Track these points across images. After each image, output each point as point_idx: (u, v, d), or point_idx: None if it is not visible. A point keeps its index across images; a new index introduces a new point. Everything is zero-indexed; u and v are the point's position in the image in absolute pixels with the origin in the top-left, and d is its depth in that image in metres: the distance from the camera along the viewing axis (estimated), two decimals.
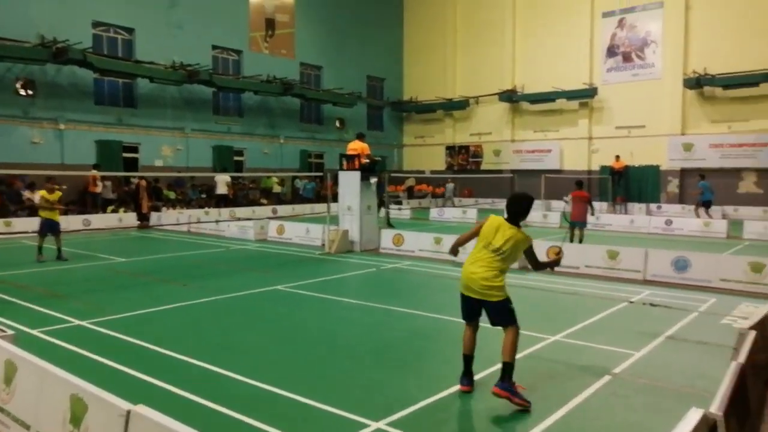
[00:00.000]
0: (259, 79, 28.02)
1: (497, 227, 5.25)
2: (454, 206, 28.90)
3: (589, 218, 17.10)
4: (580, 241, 14.62)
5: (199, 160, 26.32)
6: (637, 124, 28.81)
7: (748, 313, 7.78)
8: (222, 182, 24.24)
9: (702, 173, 23.87)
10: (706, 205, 21.76)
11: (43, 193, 12.79)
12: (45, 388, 4.07)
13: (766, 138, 25.22)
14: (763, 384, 5.04)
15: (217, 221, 19.37)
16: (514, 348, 4.99)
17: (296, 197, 28.73)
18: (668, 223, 19.76)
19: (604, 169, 29.26)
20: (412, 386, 5.31)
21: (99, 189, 21.00)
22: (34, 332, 6.91)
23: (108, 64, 22.46)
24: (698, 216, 21.34)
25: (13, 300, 8.73)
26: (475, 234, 5.51)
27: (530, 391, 5.25)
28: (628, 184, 28.75)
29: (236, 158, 28.19)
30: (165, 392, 5.06)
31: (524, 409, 4.77)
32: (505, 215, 5.38)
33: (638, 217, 21.94)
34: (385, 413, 4.62)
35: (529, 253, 5.37)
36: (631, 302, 8.93)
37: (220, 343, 6.72)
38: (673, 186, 27.96)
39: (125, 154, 23.89)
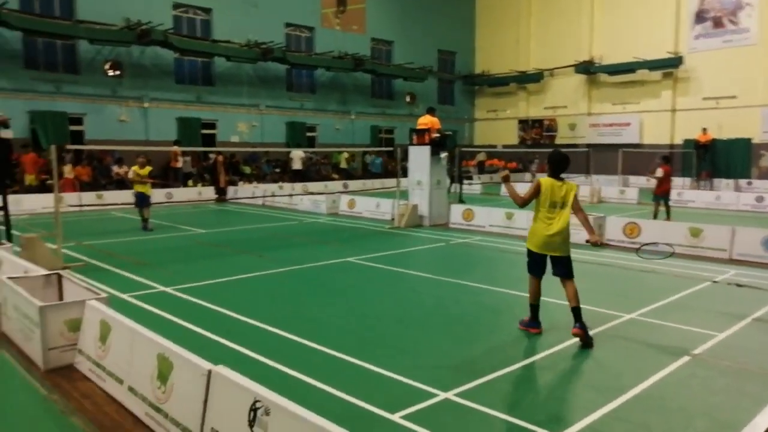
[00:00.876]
0: (331, 56, 28.25)
1: (551, 186, 5.90)
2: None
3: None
4: (668, 214, 14.52)
5: (273, 136, 27.00)
6: (728, 95, 26.92)
7: None
8: (297, 158, 25.11)
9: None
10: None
11: (135, 168, 13.54)
12: (135, 347, 4.39)
13: None
14: None
15: (290, 195, 19.88)
16: (577, 293, 5.84)
17: (366, 172, 28.98)
18: (759, 200, 18.54)
19: (688, 142, 27.66)
20: (482, 358, 5.32)
21: (180, 164, 22.02)
22: (125, 296, 7.41)
23: (188, 44, 23.31)
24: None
25: (106, 266, 9.38)
26: (534, 195, 5.98)
27: (604, 368, 5.16)
28: (715, 159, 27.06)
29: (309, 134, 28.70)
30: (242, 355, 5.32)
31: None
32: (548, 173, 6.05)
33: (725, 194, 20.68)
34: (453, 384, 4.67)
35: (576, 198, 5.98)
36: (715, 282, 8.50)
37: (294, 311, 6.96)
38: (766, 160, 26.10)
39: (203, 131, 24.87)
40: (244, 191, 21.45)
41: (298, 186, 22.74)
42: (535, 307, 6.08)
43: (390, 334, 6.14)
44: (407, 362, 5.24)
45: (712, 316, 6.71)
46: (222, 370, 3.56)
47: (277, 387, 4.48)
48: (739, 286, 8.24)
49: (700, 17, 27.84)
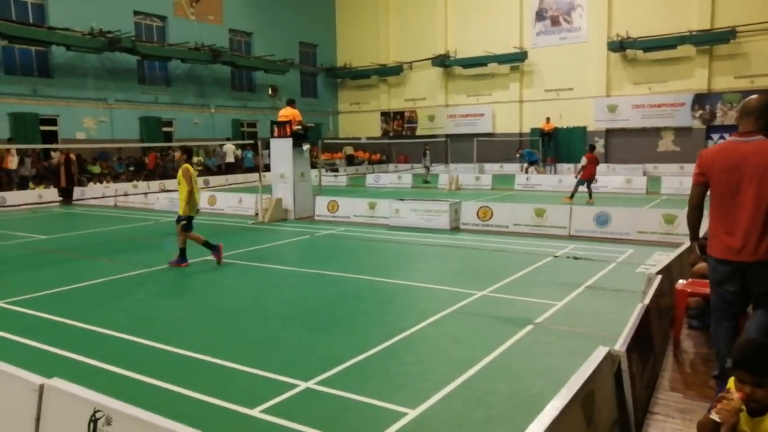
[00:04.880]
0: (187, 47, 26.96)
1: (189, 168, 8.94)
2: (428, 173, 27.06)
3: (524, 179, 21.54)
4: (590, 196, 16.63)
5: (125, 132, 25.21)
6: (566, 87, 29.62)
7: (661, 261, 8.27)
8: (230, 151, 26.62)
9: (533, 137, 27.32)
10: (534, 163, 25.03)
11: None
12: None
13: (682, 98, 26.53)
14: (668, 324, 5.41)
15: (145, 194, 18.71)
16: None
17: (229, 167, 27.95)
18: (594, 181, 20.55)
19: (534, 131, 30.01)
20: (342, 346, 5.39)
21: (14, 165, 19.82)
22: None
23: (18, 31, 20.96)
24: (526, 172, 24.48)
25: None
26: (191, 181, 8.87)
27: (458, 343, 5.46)
28: (558, 145, 29.67)
29: (165, 129, 27.17)
30: (88, 367, 4.92)
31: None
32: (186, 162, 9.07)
33: (567, 177, 22.71)
34: (314, 373, 4.68)
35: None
36: (556, 256, 9.33)
37: (146, 315, 6.58)
38: (599, 146, 29.03)
39: (43, 127, 22.58)
40: (93, 192, 19.82)
41: (154, 184, 21.48)
42: (184, 250, 8.87)
43: (249, 329, 6.01)
44: (267, 355, 5.17)
45: (552, 287, 7.36)
46: (56, 382, 3.26)
47: (127, 396, 4.22)
48: (575, 258, 9.13)
49: (540, 15, 30.25)
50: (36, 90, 22.45)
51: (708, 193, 3.94)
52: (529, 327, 5.80)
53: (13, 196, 18.31)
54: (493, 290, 7.26)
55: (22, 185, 19.85)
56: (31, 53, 22.76)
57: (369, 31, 35.75)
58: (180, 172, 8.97)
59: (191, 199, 8.86)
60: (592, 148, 17.26)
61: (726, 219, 3.79)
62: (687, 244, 7.12)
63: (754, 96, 3.89)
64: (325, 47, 36.77)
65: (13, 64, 22.19)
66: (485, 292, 7.18)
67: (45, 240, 12.14)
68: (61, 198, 19.44)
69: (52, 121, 23.05)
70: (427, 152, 26.39)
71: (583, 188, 16.78)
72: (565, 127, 29.64)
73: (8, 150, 19.10)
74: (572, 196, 16.58)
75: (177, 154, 9.44)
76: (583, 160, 16.69)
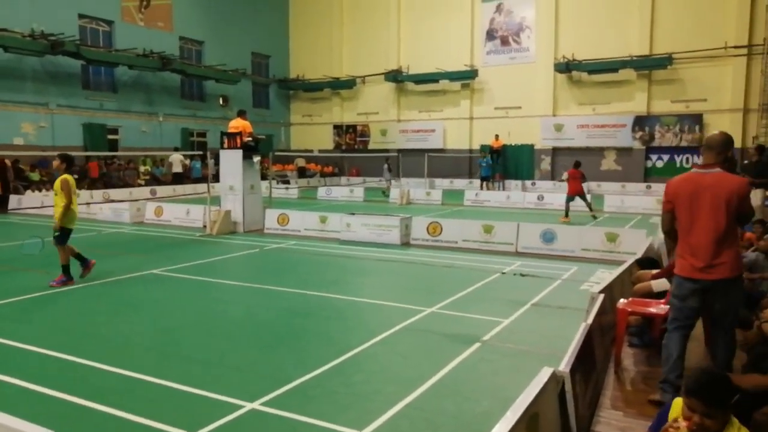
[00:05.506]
0: (135, 53, 26.25)
1: (69, 180, 8.50)
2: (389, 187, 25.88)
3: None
4: (590, 208, 16.51)
5: (67, 139, 24.20)
6: (514, 105, 30.34)
7: (603, 278, 8.53)
8: (177, 161, 25.75)
9: (483, 152, 27.81)
10: (486, 179, 25.68)
11: None
12: None
13: (623, 120, 27.61)
14: (609, 341, 5.56)
15: (88, 203, 18.01)
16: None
17: (177, 177, 27.28)
18: (540, 198, 21.11)
19: (483, 148, 30.59)
20: (289, 364, 5.30)
21: None
22: None
23: None
24: (482, 188, 25.20)
25: None
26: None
27: (406, 361, 5.45)
28: (506, 162, 30.34)
29: (111, 137, 26.30)
30: (16, 389, 4.66)
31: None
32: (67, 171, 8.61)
33: (514, 193, 23.26)
34: (260, 393, 4.57)
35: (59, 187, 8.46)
36: (503, 273, 9.48)
37: (85, 332, 6.30)
38: (545, 164, 29.87)
39: None
40: (31, 200, 18.95)
41: (98, 193, 20.75)
42: (67, 267, 8.42)
43: (194, 347, 5.84)
44: (212, 375, 5.03)
45: (499, 304, 7.46)
46: None
47: (58, 421, 4.02)
48: (522, 275, 9.30)
49: (490, 35, 30.97)
50: None
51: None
52: (477, 345, 5.85)
53: None
54: (441, 307, 7.31)
55: None
56: None
57: (322, 44, 35.76)
58: (58, 183, 8.46)
59: (69, 212, 8.53)
60: (577, 164, 16.43)
61: (690, 242, 4.19)
62: (628, 262, 7.39)
63: (716, 132, 4.35)
64: (277, 58, 36.54)
65: None
66: (434, 308, 7.22)
67: None
68: None
69: None
70: (390, 167, 26.33)
71: (576, 203, 16.25)
72: (513, 144, 30.34)
73: None
74: (566, 215, 16.03)
75: (55, 162, 8.93)
76: (565, 175, 16.80)
